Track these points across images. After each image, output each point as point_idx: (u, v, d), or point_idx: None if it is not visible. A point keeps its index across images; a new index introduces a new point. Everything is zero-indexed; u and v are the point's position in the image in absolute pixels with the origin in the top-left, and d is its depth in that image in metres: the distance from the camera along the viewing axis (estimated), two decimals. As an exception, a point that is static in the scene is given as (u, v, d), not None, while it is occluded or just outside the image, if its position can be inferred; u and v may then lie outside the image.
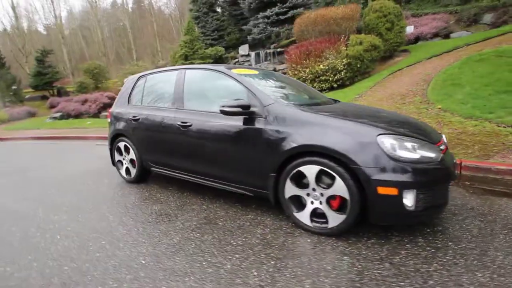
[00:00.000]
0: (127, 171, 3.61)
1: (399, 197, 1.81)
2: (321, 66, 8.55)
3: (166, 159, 3.09)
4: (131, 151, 3.43)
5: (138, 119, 3.26)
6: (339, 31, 9.85)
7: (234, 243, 2.09)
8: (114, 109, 3.68)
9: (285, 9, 15.37)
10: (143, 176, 3.54)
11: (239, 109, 2.29)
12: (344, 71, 8.51)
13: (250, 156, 2.37)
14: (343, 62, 8.45)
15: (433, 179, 1.89)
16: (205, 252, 1.98)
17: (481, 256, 1.76)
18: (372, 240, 2.01)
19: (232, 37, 19.74)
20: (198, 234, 2.24)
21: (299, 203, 2.20)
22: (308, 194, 2.12)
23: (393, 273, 1.66)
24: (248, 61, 15.78)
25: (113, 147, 3.68)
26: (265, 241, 2.09)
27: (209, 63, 16.25)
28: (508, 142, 3.66)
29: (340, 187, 1.94)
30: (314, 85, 8.69)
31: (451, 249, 1.85)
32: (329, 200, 2.04)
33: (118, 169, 3.73)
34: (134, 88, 3.55)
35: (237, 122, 2.41)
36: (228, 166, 2.55)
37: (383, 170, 1.82)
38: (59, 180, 4.03)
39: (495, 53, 6.58)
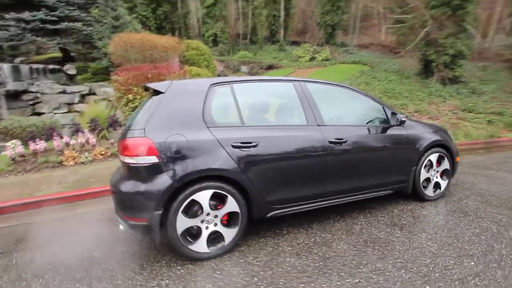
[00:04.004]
0: (212, 239, 2.10)
1: (458, 162, 3.39)
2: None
3: (302, 190, 2.41)
4: (230, 200, 2.12)
5: (256, 145, 2.17)
6: (166, 58, 9.94)
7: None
8: (166, 136, 1.97)
9: (54, 18, 12.00)
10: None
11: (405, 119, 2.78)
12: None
13: (402, 158, 2.87)
14: (193, 90, 8.80)
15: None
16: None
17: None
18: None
19: None
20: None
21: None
22: (431, 174, 3.10)
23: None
24: (-2, 77, 10.26)
25: (173, 207, 1.95)
26: (449, 219, 2.73)
27: None
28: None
29: (446, 164, 3.16)
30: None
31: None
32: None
33: (184, 246, 2.01)
34: (209, 101, 2.18)
35: (389, 132, 2.80)
36: (382, 173, 2.79)
37: (455, 148, 3.32)
38: None
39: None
